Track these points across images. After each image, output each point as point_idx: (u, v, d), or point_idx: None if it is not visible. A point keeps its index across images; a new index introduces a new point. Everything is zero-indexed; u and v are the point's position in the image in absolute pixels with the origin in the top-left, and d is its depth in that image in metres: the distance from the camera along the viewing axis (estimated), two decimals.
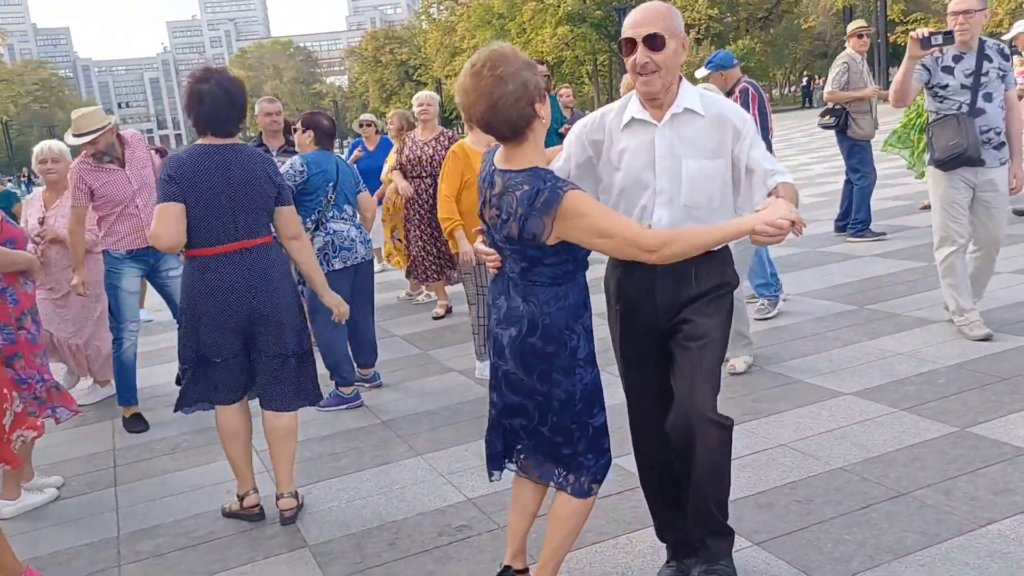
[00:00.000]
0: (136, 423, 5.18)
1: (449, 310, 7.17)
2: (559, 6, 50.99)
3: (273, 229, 3.55)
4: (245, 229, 3.37)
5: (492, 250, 2.48)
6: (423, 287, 7.82)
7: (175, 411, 3.58)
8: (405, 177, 6.83)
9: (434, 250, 6.77)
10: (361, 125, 8.51)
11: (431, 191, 6.60)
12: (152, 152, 5.50)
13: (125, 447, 4.87)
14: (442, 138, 6.72)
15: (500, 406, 2.58)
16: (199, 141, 3.42)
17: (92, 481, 4.40)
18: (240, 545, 3.46)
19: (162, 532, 3.67)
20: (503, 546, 3.16)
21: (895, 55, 40.13)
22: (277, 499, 3.61)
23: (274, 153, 6.21)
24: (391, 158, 7.50)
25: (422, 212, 6.75)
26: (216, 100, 3.32)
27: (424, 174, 6.71)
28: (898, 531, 2.94)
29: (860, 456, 3.56)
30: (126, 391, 5.20)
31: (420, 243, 6.80)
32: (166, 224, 3.26)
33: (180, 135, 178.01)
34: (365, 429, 4.64)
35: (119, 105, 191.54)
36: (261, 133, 6.31)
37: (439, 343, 6.32)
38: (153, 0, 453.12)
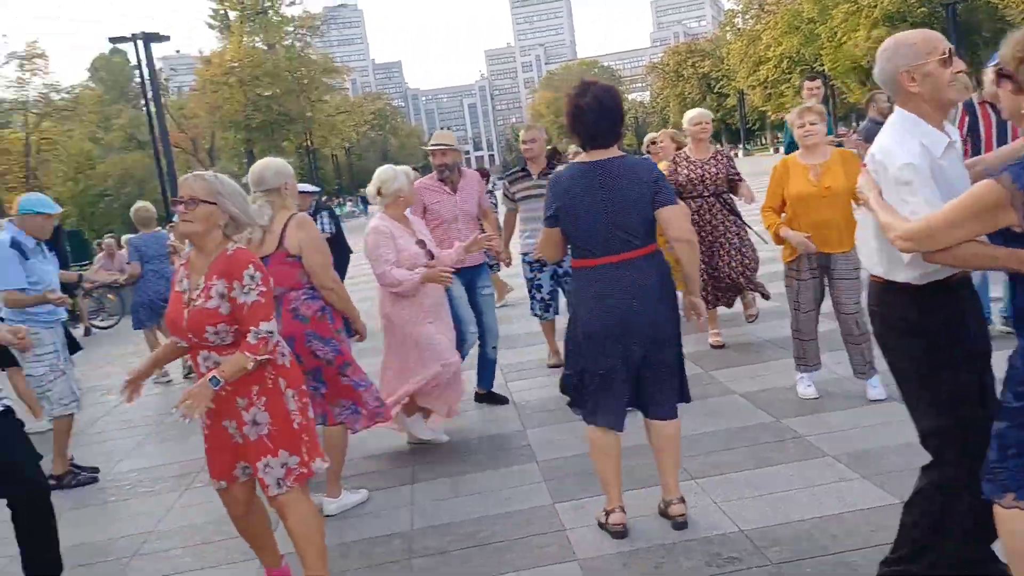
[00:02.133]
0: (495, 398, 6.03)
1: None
2: (875, 6, 47.58)
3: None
4: (623, 241, 3.43)
5: None
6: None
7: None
8: (682, 198, 6.59)
9: (711, 274, 6.53)
10: (652, 142, 8.49)
11: (713, 210, 6.45)
12: (477, 174, 6.16)
13: (426, 448, 5.30)
14: (720, 156, 6.56)
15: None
16: (579, 158, 3.57)
17: (393, 477, 4.85)
18: (518, 550, 3.63)
19: (451, 531, 3.96)
20: None
21: None
22: (667, 506, 3.68)
23: (534, 177, 6.51)
24: None
25: (702, 234, 6.44)
26: (589, 114, 3.41)
27: (706, 193, 6.49)
28: None
29: None
30: (487, 375, 6.00)
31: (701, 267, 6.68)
32: (545, 248, 3.67)
33: (493, 156, 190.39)
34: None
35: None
36: (524, 160, 6.68)
37: (723, 363, 6.18)
38: (473, 31, 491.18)
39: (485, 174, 10.78)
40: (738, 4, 69.10)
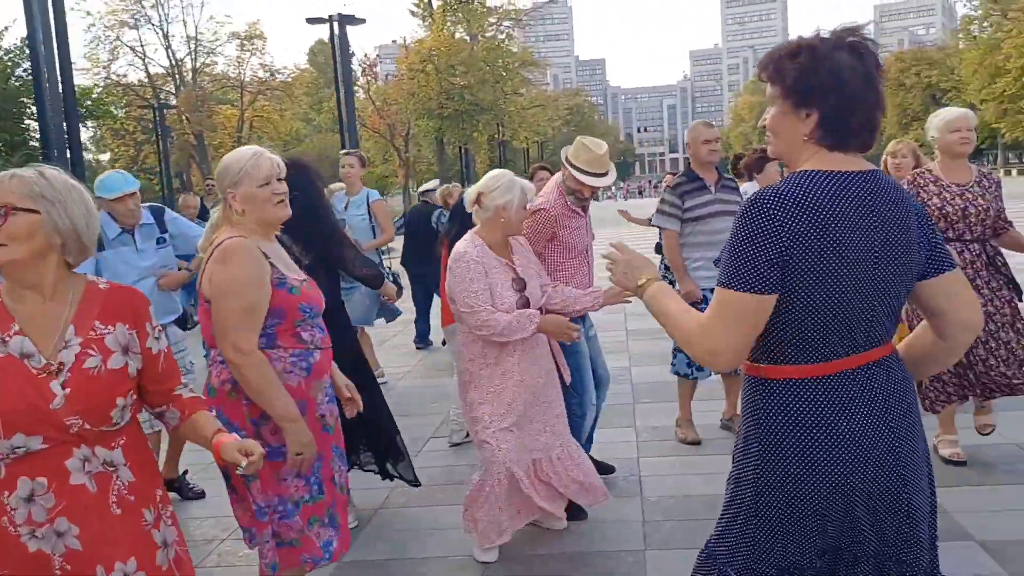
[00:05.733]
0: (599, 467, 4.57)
1: None
2: None
3: None
4: (881, 327, 1.93)
5: None
6: None
7: None
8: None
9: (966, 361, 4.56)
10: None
11: (977, 264, 4.42)
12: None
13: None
14: (988, 181, 4.54)
15: None
16: (808, 165, 1.91)
17: None
18: None
19: None
20: None
21: None
22: None
23: (712, 190, 5.08)
24: None
25: None
26: (853, 87, 1.85)
27: (969, 235, 4.42)
28: None
29: None
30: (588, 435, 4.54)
31: None
32: (735, 330, 1.86)
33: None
34: None
35: (638, 129, 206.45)
36: (689, 167, 5.32)
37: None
38: (680, 31, 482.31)
39: None
40: (976, 10, 62.66)
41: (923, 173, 4.55)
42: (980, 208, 4.39)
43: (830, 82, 1.84)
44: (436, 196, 9.14)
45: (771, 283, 1.83)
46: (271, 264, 2.80)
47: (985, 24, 61.36)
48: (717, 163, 5.22)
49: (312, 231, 3.95)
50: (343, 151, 7.24)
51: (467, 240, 3.75)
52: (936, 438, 4.69)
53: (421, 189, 9.69)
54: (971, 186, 4.46)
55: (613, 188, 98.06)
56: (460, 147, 48.95)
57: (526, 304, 3.73)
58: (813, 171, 1.88)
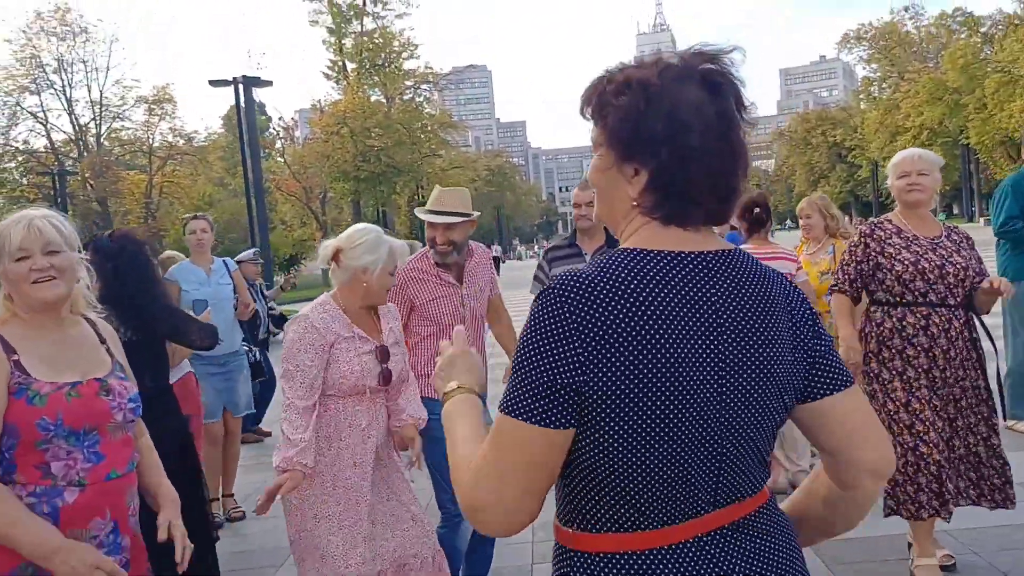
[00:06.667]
0: None
1: None
2: None
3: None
4: (738, 474, 1.34)
5: None
6: None
7: None
8: (891, 305, 3.69)
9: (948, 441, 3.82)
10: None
11: (951, 331, 3.55)
12: (485, 249, 4.17)
13: None
14: (957, 235, 3.77)
15: None
16: (631, 241, 1.35)
17: None
18: None
19: None
20: None
21: None
22: None
23: (587, 256, 4.50)
24: (810, 268, 5.25)
25: (935, 373, 3.70)
26: (699, 136, 1.28)
27: (950, 300, 3.56)
28: None
29: None
30: (481, 558, 3.87)
31: None
32: (510, 476, 1.27)
33: None
34: None
35: (560, 189, 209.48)
36: (575, 232, 4.65)
37: None
38: None
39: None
40: (875, 72, 65.73)
41: (882, 224, 3.72)
42: (958, 266, 3.54)
43: (664, 130, 1.28)
44: (248, 268, 7.85)
45: (561, 413, 1.24)
46: (16, 364, 2.15)
47: (884, 85, 64.37)
48: (591, 229, 4.50)
49: (129, 305, 3.49)
50: (188, 215, 6.46)
51: (315, 304, 3.10)
52: (912, 564, 3.67)
53: (235, 259, 8.33)
54: (941, 240, 3.64)
55: (536, 247, 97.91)
56: (378, 208, 48.35)
57: (387, 378, 3.10)
58: (633, 250, 1.32)
